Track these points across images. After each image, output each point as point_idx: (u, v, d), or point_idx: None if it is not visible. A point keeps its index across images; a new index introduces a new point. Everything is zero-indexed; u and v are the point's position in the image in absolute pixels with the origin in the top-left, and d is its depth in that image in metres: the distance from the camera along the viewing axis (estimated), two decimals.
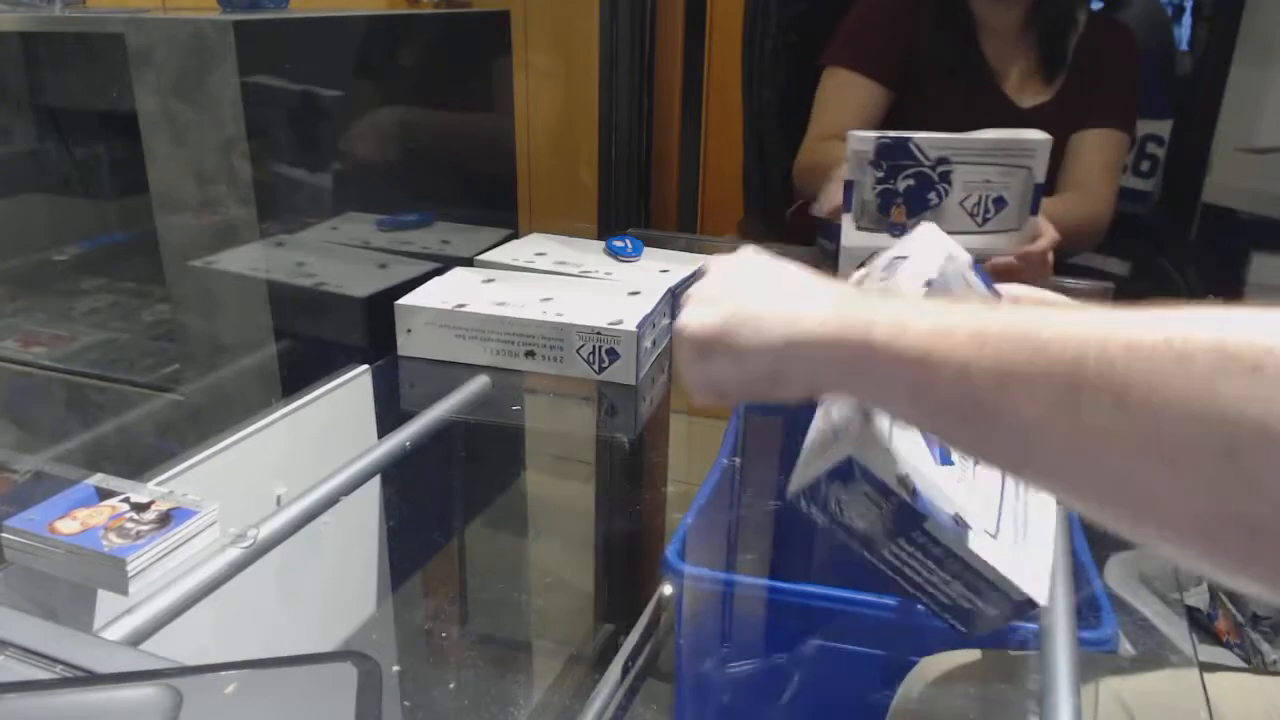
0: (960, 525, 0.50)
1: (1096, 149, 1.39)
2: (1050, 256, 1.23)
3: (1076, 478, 0.37)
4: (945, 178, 1.16)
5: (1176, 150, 1.75)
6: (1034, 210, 1.18)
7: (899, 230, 1.19)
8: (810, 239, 1.41)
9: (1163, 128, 1.76)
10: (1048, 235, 1.20)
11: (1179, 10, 1.82)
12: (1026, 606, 0.51)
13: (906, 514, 0.49)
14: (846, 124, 1.33)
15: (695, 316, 0.53)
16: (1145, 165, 1.79)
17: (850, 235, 1.20)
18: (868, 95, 1.42)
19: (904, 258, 0.63)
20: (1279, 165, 1.67)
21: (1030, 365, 0.37)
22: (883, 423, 0.52)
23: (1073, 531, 0.73)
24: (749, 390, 0.52)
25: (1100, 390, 0.35)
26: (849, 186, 1.17)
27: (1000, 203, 1.18)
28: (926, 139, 1.13)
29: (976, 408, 0.40)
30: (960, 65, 1.39)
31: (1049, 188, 1.27)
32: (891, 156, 1.14)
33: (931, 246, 0.63)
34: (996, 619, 0.53)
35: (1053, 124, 1.32)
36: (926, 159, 1.14)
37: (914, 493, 0.49)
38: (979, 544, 0.50)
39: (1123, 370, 0.34)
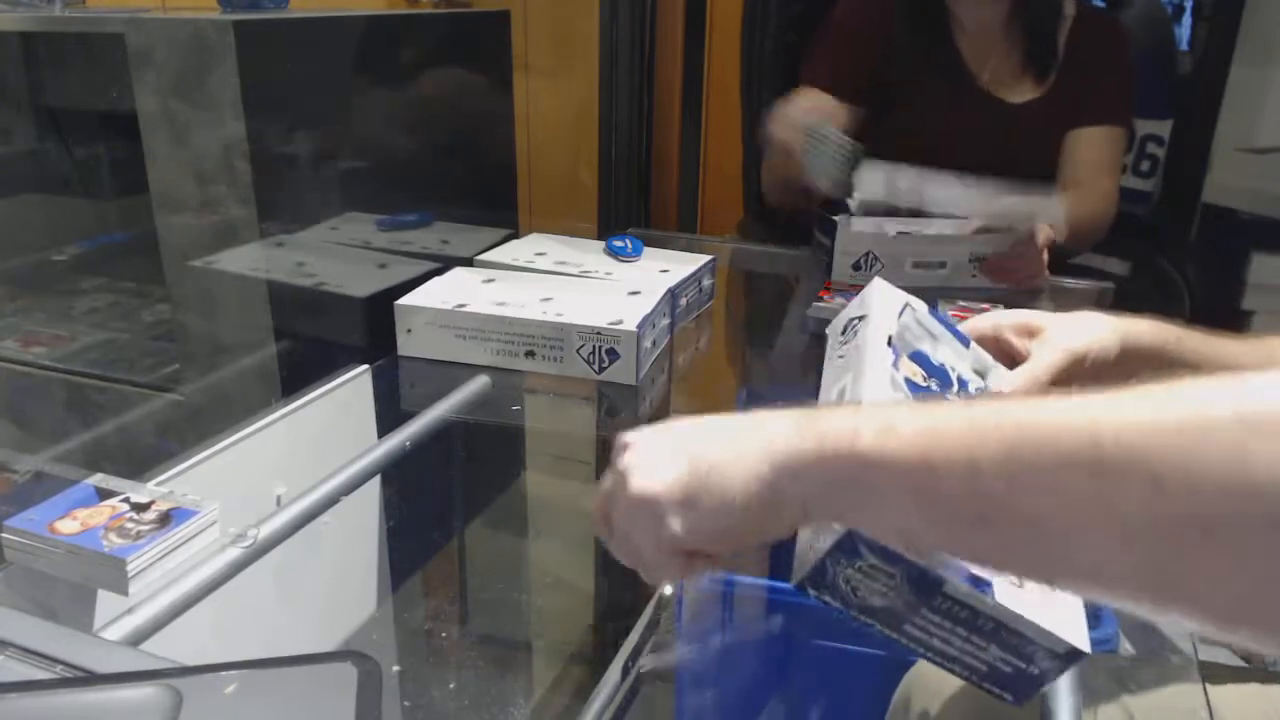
0: (981, 580, 0.46)
1: (1094, 146, 1.37)
2: (1045, 255, 1.23)
3: (1117, 570, 0.35)
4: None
5: (1176, 150, 1.75)
6: None
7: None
8: (809, 239, 1.42)
9: (1163, 128, 1.76)
10: (1043, 232, 1.20)
11: (1179, 10, 1.82)
12: (1071, 659, 0.47)
13: (922, 580, 0.45)
14: None
15: (655, 475, 0.45)
16: (1145, 165, 1.79)
17: (846, 233, 1.21)
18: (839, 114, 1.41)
19: (863, 317, 0.60)
20: (1279, 165, 1.67)
21: (1040, 458, 0.35)
22: None
23: None
24: (735, 539, 0.45)
25: (1129, 476, 0.33)
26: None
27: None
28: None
29: (996, 509, 0.36)
30: (938, 65, 1.35)
31: (1048, 184, 1.27)
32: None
33: (887, 301, 0.61)
34: (1040, 678, 0.48)
35: (1043, 121, 1.31)
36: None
37: (925, 555, 0.45)
38: (1006, 596, 0.46)
39: (1143, 453, 0.33)
